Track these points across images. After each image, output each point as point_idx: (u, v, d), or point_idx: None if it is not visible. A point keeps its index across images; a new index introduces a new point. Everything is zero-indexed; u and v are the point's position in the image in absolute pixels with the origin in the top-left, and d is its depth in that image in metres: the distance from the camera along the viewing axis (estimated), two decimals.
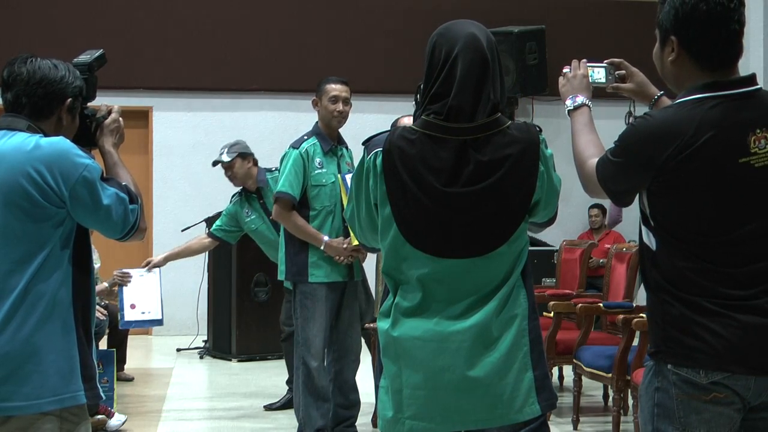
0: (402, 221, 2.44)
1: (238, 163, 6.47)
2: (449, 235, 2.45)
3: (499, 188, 2.50)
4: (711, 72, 2.42)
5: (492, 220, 2.48)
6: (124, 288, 5.60)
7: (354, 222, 2.61)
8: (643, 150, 2.43)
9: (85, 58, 3.16)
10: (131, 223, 2.80)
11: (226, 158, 6.54)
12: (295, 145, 5.21)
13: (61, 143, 2.74)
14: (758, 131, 2.36)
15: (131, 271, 5.81)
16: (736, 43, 2.42)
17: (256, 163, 6.57)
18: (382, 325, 2.49)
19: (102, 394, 2.79)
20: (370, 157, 2.48)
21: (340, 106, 5.21)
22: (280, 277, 5.28)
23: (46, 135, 2.77)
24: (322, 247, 5.06)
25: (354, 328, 5.38)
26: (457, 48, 2.66)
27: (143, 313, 5.56)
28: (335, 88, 5.23)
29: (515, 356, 2.46)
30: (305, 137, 5.26)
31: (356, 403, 5.47)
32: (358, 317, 5.49)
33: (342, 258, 5.12)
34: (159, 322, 5.76)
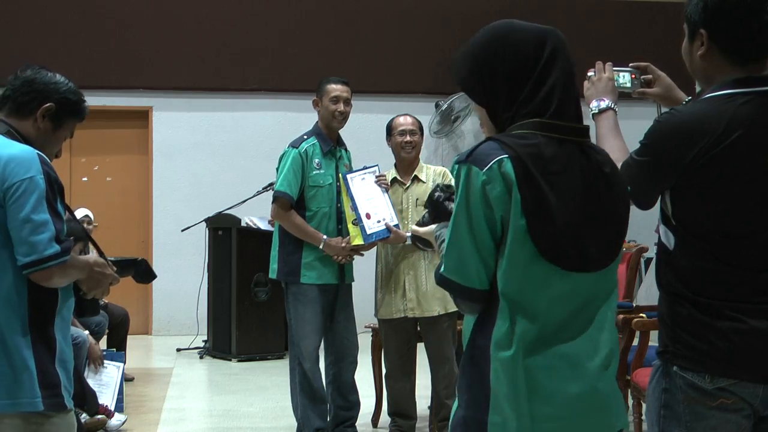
0: (538, 233, 2.12)
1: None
2: (585, 245, 2.18)
3: (620, 193, 2.26)
4: (742, 66, 2.32)
5: (619, 227, 2.26)
6: (357, 200, 5.20)
7: (459, 249, 2.17)
8: (669, 147, 2.32)
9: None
10: (46, 256, 2.64)
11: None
12: (295, 145, 5.19)
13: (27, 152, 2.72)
14: None
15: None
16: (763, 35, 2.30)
17: None
18: (504, 354, 2.15)
19: (67, 403, 2.72)
20: (492, 166, 2.11)
21: (341, 107, 5.20)
22: (272, 275, 5.26)
23: (24, 138, 2.78)
24: (321, 246, 5.05)
25: (350, 330, 5.36)
26: (549, 45, 2.33)
27: (378, 222, 5.15)
28: (336, 89, 5.21)
29: (616, 365, 2.28)
30: (305, 137, 5.23)
31: (356, 404, 5.46)
32: (354, 319, 5.45)
33: (341, 258, 5.11)
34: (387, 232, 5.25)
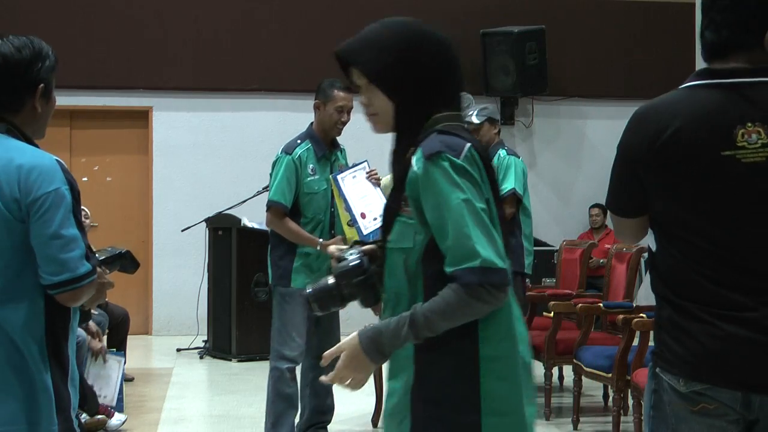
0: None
1: (486, 127, 6.32)
2: None
3: None
4: (707, 62, 2.32)
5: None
6: (350, 200, 5.17)
7: (488, 232, 2.13)
8: (627, 141, 2.33)
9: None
10: (79, 275, 2.43)
11: (475, 120, 6.25)
12: (288, 151, 5.03)
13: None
14: (749, 125, 2.19)
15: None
16: (721, 28, 2.28)
17: (499, 132, 6.56)
18: (503, 351, 2.19)
19: (76, 428, 2.56)
20: (467, 153, 2.21)
21: (345, 117, 5.02)
22: (270, 281, 5.20)
23: (24, 134, 2.57)
24: (318, 248, 4.95)
25: (333, 334, 5.17)
26: (453, 45, 2.39)
27: (375, 219, 5.09)
28: (343, 98, 4.99)
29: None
30: (298, 141, 5.07)
31: (331, 409, 5.31)
32: (338, 324, 5.29)
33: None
34: None
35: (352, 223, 5.01)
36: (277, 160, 5.06)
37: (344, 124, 5.08)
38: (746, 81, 2.24)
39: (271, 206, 4.99)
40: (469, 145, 2.18)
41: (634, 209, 2.37)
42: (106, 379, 6.04)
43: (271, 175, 5.12)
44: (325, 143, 5.08)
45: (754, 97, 2.23)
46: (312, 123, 5.13)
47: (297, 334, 5.01)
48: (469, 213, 2.10)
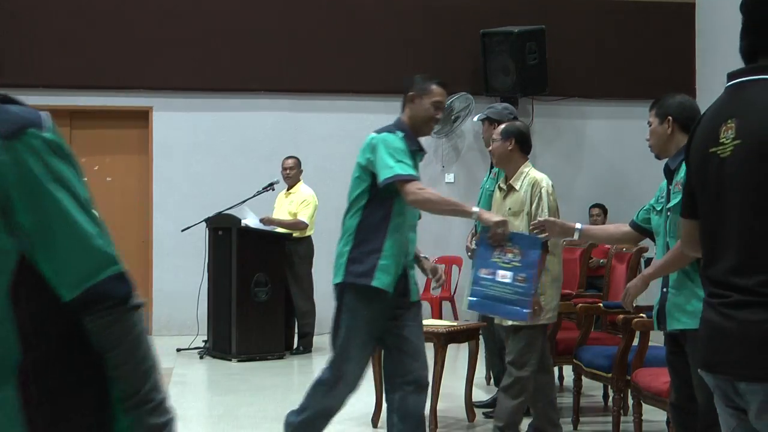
0: None
1: (485, 126, 6.15)
2: None
3: None
4: (746, 64, 2.43)
5: None
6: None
7: None
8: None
9: None
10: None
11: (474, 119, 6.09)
12: (391, 130, 4.48)
13: None
14: (729, 121, 2.33)
15: None
16: (748, 35, 2.39)
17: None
18: None
19: None
20: None
21: (439, 114, 4.67)
22: (336, 280, 4.50)
23: None
24: (473, 218, 4.50)
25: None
26: None
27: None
28: (441, 93, 4.61)
29: None
30: (394, 129, 4.51)
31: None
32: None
33: (498, 231, 4.39)
34: None
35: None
36: (381, 139, 4.42)
37: (437, 122, 4.75)
38: (745, 80, 2.35)
39: (410, 179, 4.31)
40: None
41: (685, 209, 2.61)
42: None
43: (368, 159, 4.41)
44: (415, 140, 4.58)
45: (743, 94, 2.35)
46: (400, 117, 4.64)
47: (368, 341, 4.47)
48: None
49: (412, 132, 4.55)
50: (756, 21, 2.37)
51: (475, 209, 4.48)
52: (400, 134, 4.46)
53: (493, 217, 4.49)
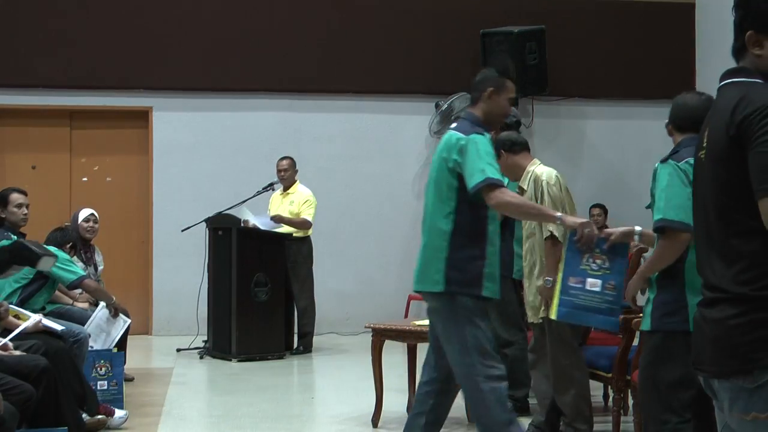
0: None
1: None
2: None
3: None
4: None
5: None
6: None
7: None
8: None
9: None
10: None
11: None
12: (478, 131, 4.27)
13: None
14: (708, 126, 2.39)
15: None
16: (737, 35, 2.39)
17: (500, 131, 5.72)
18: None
19: None
20: None
21: (510, 111, 4.58)
22: (435, 287, 4.21)
23: None
24: (557, 223, 4.37)
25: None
26: None
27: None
28: (514, 89, 4.51)
29: None
30: (475, 127, 4.32)
31: None
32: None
33: (585, 231, 4.22)
34: None
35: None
36: (471, 140, 4.22)
37: (507, 117, 4.62)
38: (722, 84, 2.39)
39: (496, 184, 4.11)
40: None
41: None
42: (105, 333, 6.30)
43: (454, 160, 4.24)
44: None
45: (717, 99, 2.39)
46: (473, 112, 4.44)
47: (492, 348, 4.26)
48: None
49: (486, 128, 4.37)
50: (735, 21, 2.38)
51: (558, 214, 4.30)
52: (488, 135, 4.28)
53: (577, 219, 4.31)
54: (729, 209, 2.26)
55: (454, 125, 4.39)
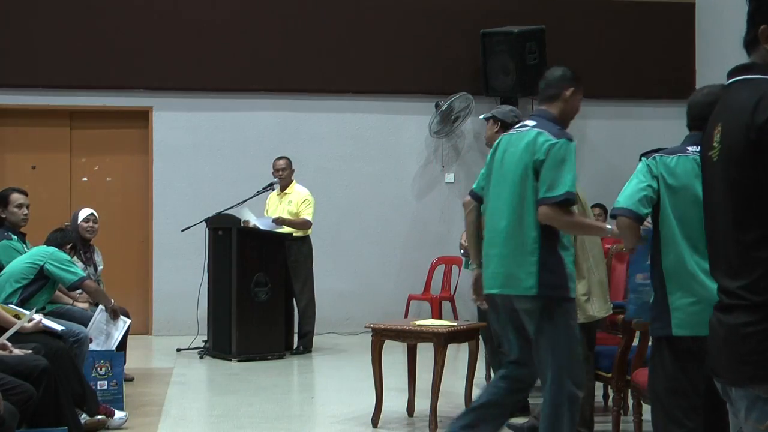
0: None
1: (489, 124, 5.84)
2: None
3: None
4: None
5: None
6: None
7: None
8: None
9: None
10: None
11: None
12: (567, 136, 4.23)
13: None
14: (719, 125, 2.33)
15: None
16: (749, 27, 2.33)
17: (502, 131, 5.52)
18: None
19: None
20: None
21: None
22: (528, 292, 4.20)
23: None
24: (609, 234, 4.33)
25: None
26: None
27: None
28: (583, 90, 4.48)
29: None
30: (559, 129, 4.27)
31: None
32: None
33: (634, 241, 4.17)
34: None
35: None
36: (559, 145, 4.17)
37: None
38: (732, 81, 2.34)
39: (569, 199, 4.12)
40: None
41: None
42: (106, 334, 6.33)
43: (539, 164, 4.17)
44: None
45: (728, 97, 2.34)
46: (550, 111, 4.38)
47: (581, 353, 4.31)
48: None
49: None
50: (748, 12, 2.32)
51: (609, 227, 4.24)
52: (574, 142, 4.23)
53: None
54: (744, 212, 2.22)
55: (532, 123, 4.33)
